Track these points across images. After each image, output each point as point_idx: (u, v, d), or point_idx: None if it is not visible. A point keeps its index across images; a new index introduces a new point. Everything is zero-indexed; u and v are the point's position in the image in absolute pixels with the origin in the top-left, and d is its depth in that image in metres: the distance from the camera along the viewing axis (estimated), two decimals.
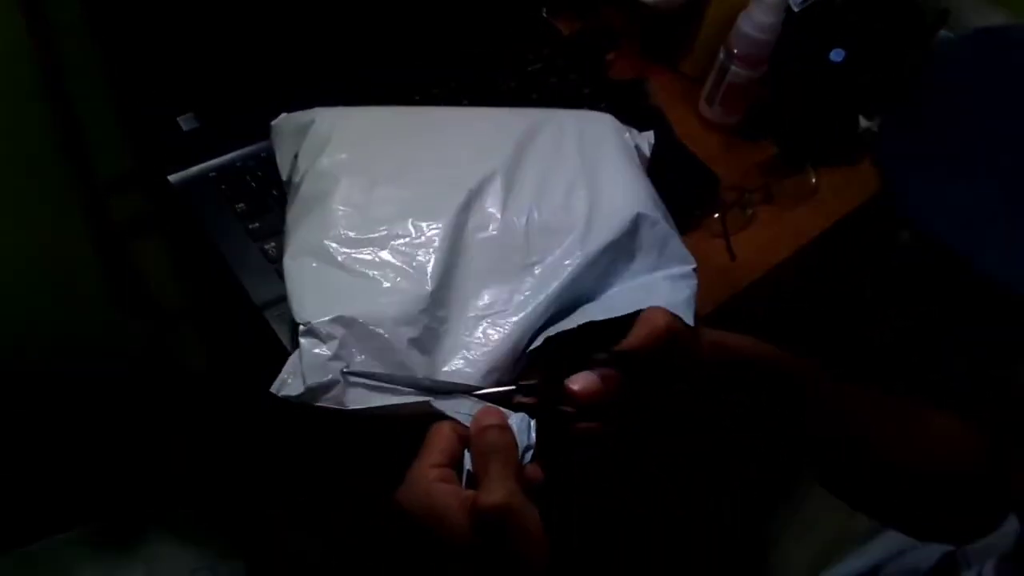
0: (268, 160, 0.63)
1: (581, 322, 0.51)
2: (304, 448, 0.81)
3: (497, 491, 0.39)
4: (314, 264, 0.50)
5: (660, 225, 0.57)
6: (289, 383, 0.45)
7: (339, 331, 0.46)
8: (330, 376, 0.45)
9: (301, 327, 0.47)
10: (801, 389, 0.53)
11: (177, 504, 1.02)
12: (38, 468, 0.92)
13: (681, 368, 0.49)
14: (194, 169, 0.64)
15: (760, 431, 0.56)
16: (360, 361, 0.47)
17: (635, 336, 0.47)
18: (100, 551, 0.98)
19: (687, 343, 0.48)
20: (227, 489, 1.03)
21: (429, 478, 0.40)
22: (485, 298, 0.52)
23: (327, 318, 0.46)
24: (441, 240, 0.52)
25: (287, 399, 0.45)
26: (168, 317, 0.92)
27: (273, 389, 0.45)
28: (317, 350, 0.46)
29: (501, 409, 0.44)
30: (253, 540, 1.02)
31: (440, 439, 0.43)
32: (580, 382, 0.46)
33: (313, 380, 0.45)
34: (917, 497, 0.56)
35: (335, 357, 0.46)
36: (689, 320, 0.52)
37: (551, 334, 0.51)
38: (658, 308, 0.48)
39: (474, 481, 0.41)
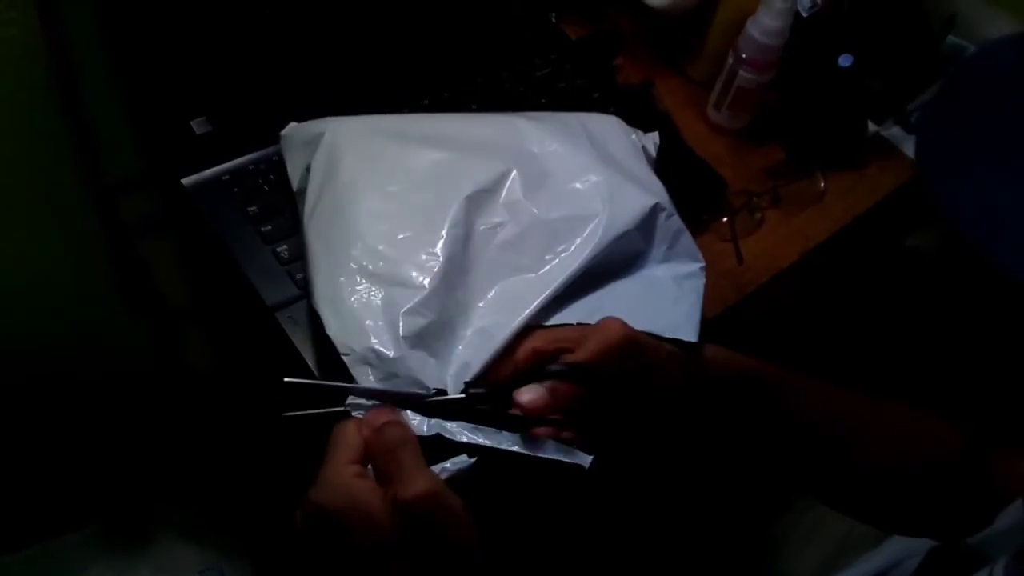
0: (280, 164, 0.63)
1: (584, 320, 0.52)
2: (312, 450, 0.82)
3: (419, 481, 0.38)
4: (345, 281, 0.50)
5: (674, 218, 0.58)
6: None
7: (385, 351, 0.47)
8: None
9: (345, 357, 0.47)
10: (783, 400, 0.53)
11: (185, 505, 1.02)
12: (47, 467, 0.92)
13: (644, 381, 0.48)
14: (207, 172, 0.65)
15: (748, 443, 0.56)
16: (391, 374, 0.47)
17: (586, 350, 0.46)
18: (108, 551, 0.98)
19: (650, 356, 0.48)
20: (235, 490, 1.03)
21: (347, 475, 0.39)
22: (509, 292, 0.52)
23: (370, 345, 0.47)
24: (464, 242, 0.53)
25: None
26: (177, 318, 0.92)
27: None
28: (369, 375, 0.47)
29: (395, 408, 0.45)
30: (260, 541, 1.03)
31: (349, 436, 0.41)
32: (527, 395, 0.46)
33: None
34: (900, 494, 0.57)
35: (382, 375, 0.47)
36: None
37: (551, 324, 0.52)
38: (615, 320, 0.47)
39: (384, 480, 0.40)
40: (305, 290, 0.55)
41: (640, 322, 0.52)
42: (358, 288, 0.49)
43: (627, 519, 0.90)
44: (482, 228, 0.54)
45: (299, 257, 0.58)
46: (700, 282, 0.59)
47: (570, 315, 0.53)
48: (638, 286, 0.57)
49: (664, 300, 0.56)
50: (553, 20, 0.85)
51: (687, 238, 0.59)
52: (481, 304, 0.52)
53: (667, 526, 0.95)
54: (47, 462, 0.92)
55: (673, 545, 0.96)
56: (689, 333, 0.54)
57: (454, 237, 0.52)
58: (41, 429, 0.90)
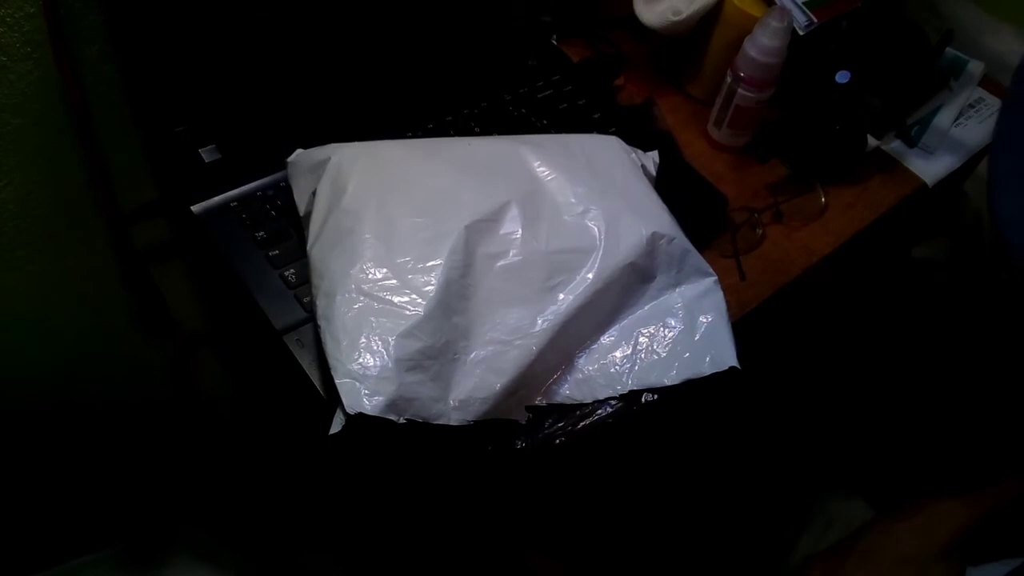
0: (287, 189, 0.64)
1: (622, 391, 0.55)
2: (323, 470, 0.83)
3: None
4: (341, 299, 0.51)
5: (676, 241, 0.59)
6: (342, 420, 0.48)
7: (375, 370, 0.48)
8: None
9: (336, 373, 0.48)
10: None
11: (201, 525, 1.03)
12: (64, 490, 0.94)
13: None
14: (216, 199, 0.66)
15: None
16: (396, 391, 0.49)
17: None
18: (125, 572, 0.99)
19: None
20: (251, 511, 1.04)
21: None
22: (509, 321, 0.53)
23: (361, 362, 0.48)
24: (463, 269, 0.53)
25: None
26: (189, 342, 0.93)
27: (333, 431, 0.48)
28: (365, 391, 0.48)
29: None
30: (273, 561, 1.03)
31: None
32: None
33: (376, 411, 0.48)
34: None
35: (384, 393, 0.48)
36: (730, 354, 0.55)
37: (572, 400, 0.54)
38: None
39: None
40: (312, 313, 0.56)
41: (681, 367, 0.54)
42: (354, 307, 0.50)
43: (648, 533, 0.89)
44: (482, 257, 0.55)
45: (306, 281, 0.59)
46: (718, 296, 0.59)
47: (590, 356, 0.55)
48: (657, 319, 0.58)
49: (690, 332, 0.57)
50: (555, 42, 0.86)
51: (693, 256, 0.60)
52: (482, 331, 0.53)
53: (687, 550, 0.94)
54: (64, 485, 0.93)
55: (692, 565, 0.96)
56: (729, 355, 0.55)
57: (452, 264, 0.53)
58: (58, 452, 0.91)
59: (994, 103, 0.90)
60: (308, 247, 0.57)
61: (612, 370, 0.56)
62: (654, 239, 0.58)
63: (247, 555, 1.02)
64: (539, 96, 0.80)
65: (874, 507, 0.81)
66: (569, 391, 0.55)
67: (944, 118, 0.86)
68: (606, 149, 0.65)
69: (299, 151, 0.63)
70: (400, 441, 0.49)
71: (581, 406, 0.54)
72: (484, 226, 0.55)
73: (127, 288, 0.82)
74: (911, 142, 0.85)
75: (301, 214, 0.62)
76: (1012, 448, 0.67)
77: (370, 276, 0.52)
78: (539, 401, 0.54)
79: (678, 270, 0.59)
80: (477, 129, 0.76)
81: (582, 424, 0.54)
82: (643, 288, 0.59)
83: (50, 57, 0.63)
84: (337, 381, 0.48)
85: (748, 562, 0.93)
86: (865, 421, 0.96)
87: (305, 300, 0.60)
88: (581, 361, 0.56)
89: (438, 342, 0.50)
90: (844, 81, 0.75)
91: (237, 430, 1.05)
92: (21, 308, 0.77)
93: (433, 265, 0.52)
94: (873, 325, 1.02)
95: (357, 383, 0.47)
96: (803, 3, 0.77)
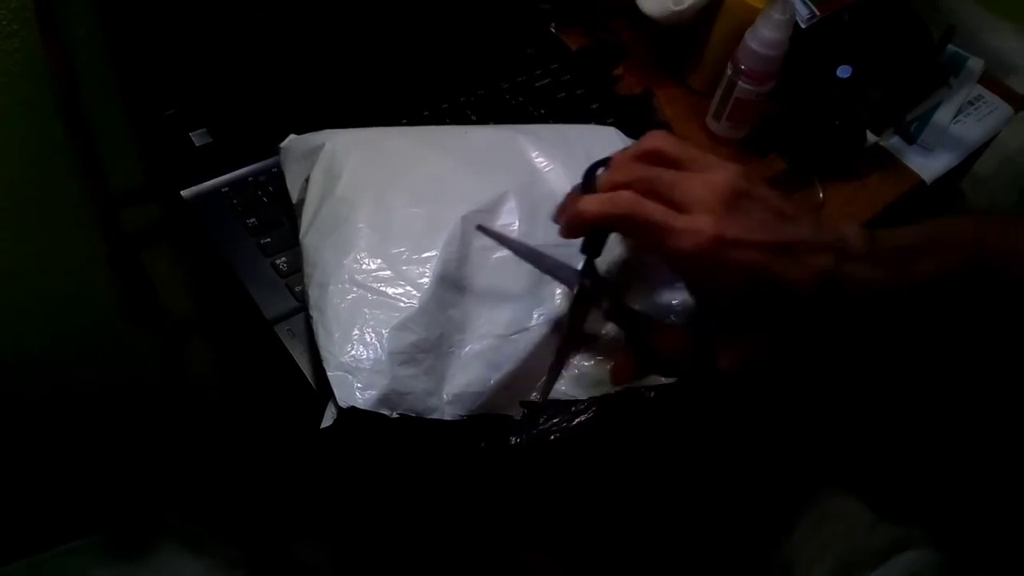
0: (279, 175, 0.63)
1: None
2: (312, 458, 0.82)
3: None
4: (334, 290, 0.50)
5: None
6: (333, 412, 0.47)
7: (368, 363, 0.48)
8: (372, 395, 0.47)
9: (328, 365, 0.47)
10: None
11: (188, 514, 1.02)
12: (49, 477, 0.93)
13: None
14: (206, 184, 0.65)
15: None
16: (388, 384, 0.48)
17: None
18: (109, 561, 0.98)
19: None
20: (238, 500, 1.03)
21: None
22: (505, 315, 0.52)
23: (354, 354, 0.47)
24: (459, 261, 0.53)
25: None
26: (178, 329, 0.92)
27: (324, 425, 0.47)
28: (358, 384, 0.47)
29: None
30: (261, 550, 1.03)
31: None
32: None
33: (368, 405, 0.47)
34: None
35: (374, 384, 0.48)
36: None
37: (568, 396, 0.53)
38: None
39: None
40: (304, 303, 0.55)
41: None
42: (348, 298, 0.49)
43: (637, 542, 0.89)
44: (478, 249, 0.54)
45: (298, 270, 0.58)
46: None
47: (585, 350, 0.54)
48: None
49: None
50: (553, 30, 0.85)
51: None
52: (477, 325, 0.52)
53: (673, 548, 0.94)
54: (52, 472, 0.92)
55: (678, 566, 0.96)
56: None
57: (448, 255, 0.52)
58: (45, 439, 0.90)
59: (993, 101, 0.90)
60: (301, 235, 0.56)
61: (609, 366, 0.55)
62: None
63: (236, 545, 1.02)
64: (537, 85, 0.79)
65: (869, 504, 0.81)
66: (565, 387, 0.54)
67: (943, 115, 0.85)
68: (605, 140, 0.65)
69: (292, 136, 0.62)
70: (393, 435, 0.48)
71: (577, 402, 0.54)
72: (481, 217, 0.55)
73: (115, 273, 0.81)
74: (910, 139, 0.84)
75: (294, 201, 0.60)
76: (1011, 445, 0.66)
77: (364, 267, 0.51)
78: (534, 397, 0.53)
79: None
80: (474, 117, 0.74)
81: (577, 420, 0.53)
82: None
83: (38, 35, 0.61)
84: (329, 373, 0.47)
85: (742, 557, 0.93)
86: (860, 417, 0.96)
87: (297, 289, 0.60)
88: (577, 356, 0.55)
89: (432, 335, 0.49)
90: (845, 76, 0.74)
91: (227, 419, 1.04)
92: (9, 290, 0.76)
93: (428, 256, 0.51)
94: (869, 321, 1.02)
95: (349, 376, 0.47)
96: None
